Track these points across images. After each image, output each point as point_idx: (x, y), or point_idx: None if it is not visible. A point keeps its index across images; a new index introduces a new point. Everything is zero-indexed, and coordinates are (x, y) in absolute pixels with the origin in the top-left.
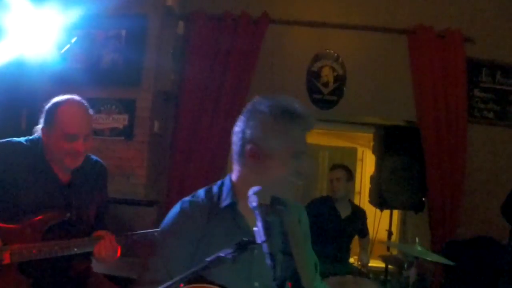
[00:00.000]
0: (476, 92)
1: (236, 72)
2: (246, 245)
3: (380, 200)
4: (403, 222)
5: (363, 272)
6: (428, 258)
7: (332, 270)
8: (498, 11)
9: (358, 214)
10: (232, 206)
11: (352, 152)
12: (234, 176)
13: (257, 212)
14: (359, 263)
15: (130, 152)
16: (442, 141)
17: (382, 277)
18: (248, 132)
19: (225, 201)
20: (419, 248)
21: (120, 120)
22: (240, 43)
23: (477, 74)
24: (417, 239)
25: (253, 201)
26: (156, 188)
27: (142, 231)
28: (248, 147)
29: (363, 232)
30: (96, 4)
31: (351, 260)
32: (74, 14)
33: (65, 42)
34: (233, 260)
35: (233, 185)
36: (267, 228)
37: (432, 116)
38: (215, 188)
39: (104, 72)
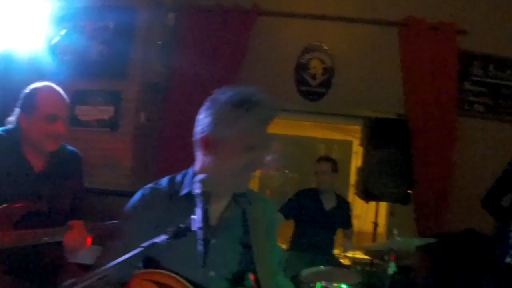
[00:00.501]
0: (467, 85)
1: (225, 64)
2: (182, 232)
3: (366, 192)
4: (390, 214)
5: (345, 264)
6: (404, 249)
7: (315, 261)
8: (492, 3)
9: (343, 206)
10: (191, 194)
11: (347, 145)
12: (196, 165)
13: (198, 199)
14: (342, 250)
15: (115, 143)
16: (430, 134)
17: (367, 268)
18: (204, 121)
19: (185, 189)
20: (398, 239)
21: (106, 112)
22: (230, 35)
23: (468, 67)
24: (395, 231)
25: (197, 188)
26: (143, 179)
27: (112, 221)
28: (202, 136)
29: (347, 224)
30: None
31: (335, 252)
32: (62, 6)
33: (54, 34)
34: (168, 246)
35: (194, 174)
36: (204, 216)
37: (420, 109)
38: (179, 177)
39: (91, 64)
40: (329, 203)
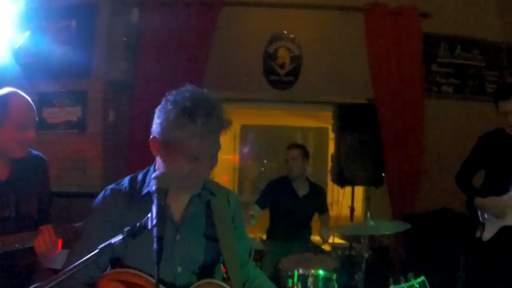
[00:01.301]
0: (434, 67)
1: (191, 58)
2: (138, 230)
3: (340, 178)
4: (367, 198)
5: (322, 249)
6: (376, 233)
7: (293, 249)
8: None
9: (316, 192)
10: (150, 194)
11: (324, 132)
12: (155, 163)
13: (154, 196)
14: (320, 239)
15: (84, 145)
16: (398, 117)
17: (346, 253)
18: (155, 122)
19: (146, 188)
20: (371, 223)
21: (74, 113)
22: (194, 28)
23: (435, 49)
24: (368, 214)
25: (152, 185)
26: (114, 179)
27: (81, 223)
28: (151, 137)
29: (323, 209)
30: None
31: (314, 238)
32: (24, 8)
33: (17, 37)
34: (135, 245)
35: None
36: (159, 213)
37: (388, 93)
38: (140, 176)
39: (55, 64)
40: (302, 190)
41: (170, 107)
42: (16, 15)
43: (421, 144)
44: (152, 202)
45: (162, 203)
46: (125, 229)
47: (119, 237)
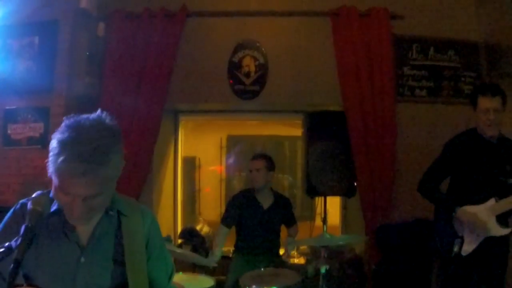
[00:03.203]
0: (406, 70)
1: (155, 69)
2: (6, 251)
3: (310, 188)
4: (343, 207)
5: (287, 263)
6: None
7: (259, 263)
8: None
9: (281, 203)
10: (59, 212)
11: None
12: None
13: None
14: (284, 252)
15: (46, 161)
16: (370, 124)
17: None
18: None
19: (54, 207)
20: (327, 236)
21: (37, 129)
22: (158, 39)
23: (406, 51)
24: (324, 227)
25: (29, 205)
26: None
27: None
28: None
29: (290, 221)
30: (10, 13)
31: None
32: None
33: None
34: (40, 264)
35: None
36: (24, 235)
37: (357, 98)
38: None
39: (19, 81)
40: (266, 202)
41: (54, 136)
42: None
43: (393, 151)
44: (58, 221)
45: (29, 225)
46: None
47: None
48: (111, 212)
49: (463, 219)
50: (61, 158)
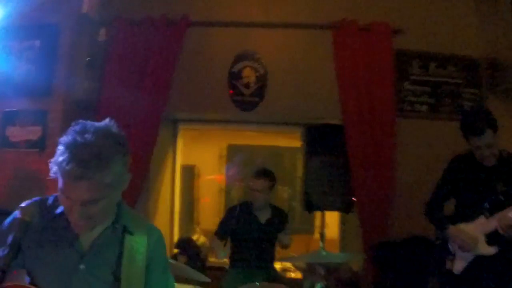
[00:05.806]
0: (407, 85)
1: (155, 76)
2: None
3: (307, 202)
4: (342, 222)
5: (283, 278)
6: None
7: (255, 277)
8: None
9: (279, 216)
10: (63, 215)
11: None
12: None
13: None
14: (280, 244)
15: (44, 164)
16: (369, 138)
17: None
18: None
19: (58, 209)
20: (324, 253)
21: (34, 132)
22: (159, 47)
23: (407, 66)
24: (321, 244)
25: (17, 214)
26: None
27: None
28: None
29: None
30: (11, 15)
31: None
32: None
33: None
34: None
35: None
36: (12, 244)
37: (356, 113)
38: (50, 198)
39: (18, 84)
40: (263, 216)
41: (61, 139)
42: None
43: (392, 167)
44: (62, 224)
45: (17, 235)
46: None
47: None
48: (116, 225)
49: (453, 236)
50: (63, 161)
